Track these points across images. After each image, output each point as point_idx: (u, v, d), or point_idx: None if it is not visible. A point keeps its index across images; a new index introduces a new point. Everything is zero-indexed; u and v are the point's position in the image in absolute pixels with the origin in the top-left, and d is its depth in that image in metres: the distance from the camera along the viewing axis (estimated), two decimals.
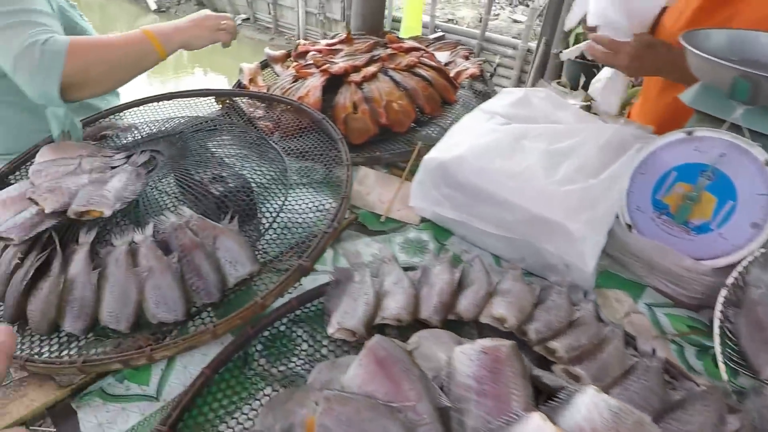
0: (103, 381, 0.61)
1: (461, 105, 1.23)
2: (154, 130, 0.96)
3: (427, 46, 1.48)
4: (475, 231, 0.85)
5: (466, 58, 1.43)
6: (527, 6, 7.70)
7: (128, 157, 0.81)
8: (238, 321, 0.62)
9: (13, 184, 0.91)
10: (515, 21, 6.91)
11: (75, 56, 0.84)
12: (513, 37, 6.12)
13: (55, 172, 0.75)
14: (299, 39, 7.77)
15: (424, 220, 0.95)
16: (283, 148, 1.02)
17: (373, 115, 1.08)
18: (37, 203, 0.67)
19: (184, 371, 0.64)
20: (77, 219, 0.68)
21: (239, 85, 1.32)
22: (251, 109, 1.19)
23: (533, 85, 3.61)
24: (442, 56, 1.41)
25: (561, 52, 3.29)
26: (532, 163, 0.78)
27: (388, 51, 1.21)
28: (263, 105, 1.19)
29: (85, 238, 0.68)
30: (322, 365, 0.60)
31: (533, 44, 5.70)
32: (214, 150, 0.94)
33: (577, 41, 2.93)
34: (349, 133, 1.07)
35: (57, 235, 0.68)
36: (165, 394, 0.61)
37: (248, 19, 8.41)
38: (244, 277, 0.69)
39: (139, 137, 0.90)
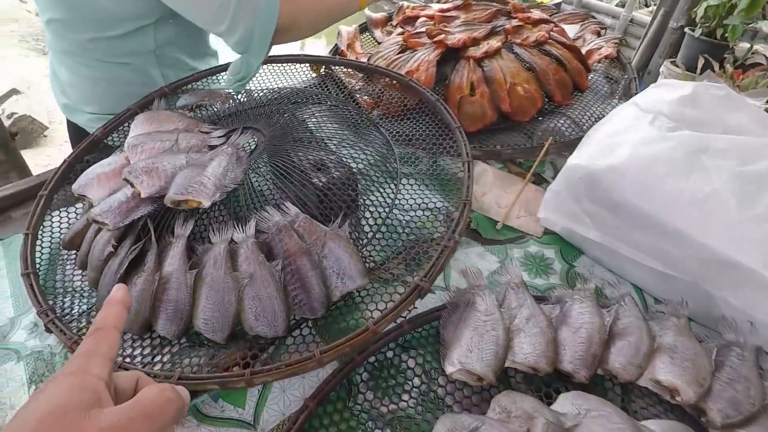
0: (197, 398, 0.54)
1: (591, 92, 1.04)
2: (252, 101, 0.86)
3: (550, 16, 1.28)
4: (618, 257, 0.70)
5: (597, 34, 1.22)
6: None
7: (227, 135, 0.72)
8: (347, 349, 0.52)
9: (106, 148, 0.86)
10: None
11: (288, 4, 0.77)
12: (617, 5, 5.51)
13: (152, 148, 0.67)
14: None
15: (547, 231, 0.80)
16: (384, 129, 0.90)
17: (493, 100, 0.92)
18: (132, 185, 0.60)
19: (282, 396, 0.56)
20: (174, 207, 0.60)
21: (336, 50, 1.20)
22: (348, 80, 1.07)
23: (641, 62, 3.21)
24: (570, 30, 1.21)
25: (681, 26, 2.87)
26: (718, 188, 0.61)
27: (514, 22, 1.03)
28: (362, 77, 1.06)
29: (181, 231, 0.60)
30: (446, 420, 0.49)
31: (638, 14, 5.09)
32: (313, 129, 0.84)
33: (706, 16, 2.52)
34: (462, 118, 0.93)
35: (152, 223, 0.61)
36: (263, 423, 0.54)
37: None
38: (350, 291, 0.59)
39: (235, 109, 0.81)
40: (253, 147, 0.72)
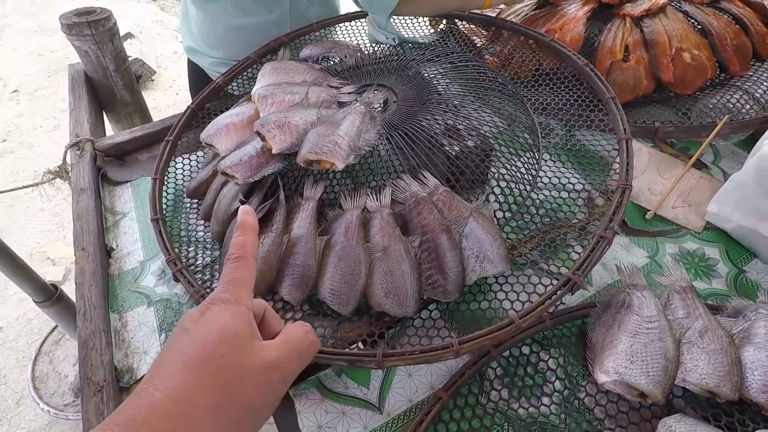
0: (321, 371, 0.52)
1: None
2: (380, 54, 0.80)
3: None
4: None
5: None
6: None
7: (359, 91, 0.67)
8: (488, 342, 0.47)
9: (226, 97, 0.85)
10: None
11: None
12: None
13: (282, 101, 0.64)
14: None
15: (709, 226, 0.68)
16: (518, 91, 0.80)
17: (651, 67, 0.78)
18: (264, 139, 0.57)
19: (408, 381, 0.52)
20: (305, 167, 0.56)
21: None
22: (473, 37, 0.97)
23: None
24: None
25: None
26: None
27: None
28: (487, 35, 0.96)
29: (311, 193, 0.57)
30: None
31: None
32: (442, 89, 0.77)
33: None
34: (611, 87, 0.80)
35: (282, 181, 0.58)
36: (389, 407, 0.50)
37: None
38: (488, 276, 0.53)
39: (363, 63, 0.75)
40: (384, 106, 0.66)
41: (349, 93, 0.66)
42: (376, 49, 0.82)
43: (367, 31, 0.83)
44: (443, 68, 0.82)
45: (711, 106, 0.78)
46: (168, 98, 3.21)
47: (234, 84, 0.86)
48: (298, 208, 0.56)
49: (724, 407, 0.47)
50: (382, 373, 0.52)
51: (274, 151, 0.57)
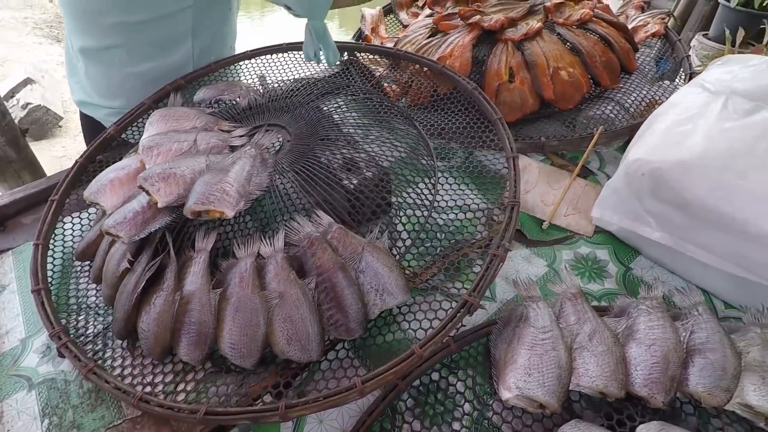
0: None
1: (639, 74, 0.95)
2: (273, 94, 0.80)
3: None
4: (684, 259, 0.62)
5: (641, 9, 1.11)
6: None
7: (250, 134, 0.66)
8: (392, 377, 0.47)
9: (121, 146, 0.81)
10: None
11: None
12: None
13: (168, 150, 0.61)
14: None
15: (598, 230, 0.73)
16: (417, 118, 0.83)
17: (534, 86, 0.84)
18: (148, 193, 0.55)
19: (320, 427, 0.50)
20: (193, 219, 0.54)
21: (360, 35, 1.13)
22: (373, 67, 0.99)
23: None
24: (611, 5, 1.11)
25: None
26: None
27: (555, 0, 0.94)
28: (388, 64, 0.99)
29: (203, 244, 0.55)
30: None
31: None
32: (340, 123, 0.78)
33: None
34: (500, 106, 0.85)
35: (170, 236, 0.55)
36: None
37: None
38: (390, 308, 0.53)
39: (256, 103, 0.75)
40: (278, 147, 0.66)
41: (240, 136, 0.65)
42: (270, 86, 0.81)
43: (303, 50, 0.82)
44: (341, 101, 0.84)
45: (590, 118, 0.85)
46: (79, 144, 3.01)
47: (130, 131, 0.83)
48: (190, 262, 0.54)
49: (615, 405, 0.49)
50: (292, 423, 0.51)
51: (159, 205, 0.54)
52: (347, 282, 0.51)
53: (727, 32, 2.29)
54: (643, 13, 1.09)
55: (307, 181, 0.61)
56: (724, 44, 2.42)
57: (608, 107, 0.85)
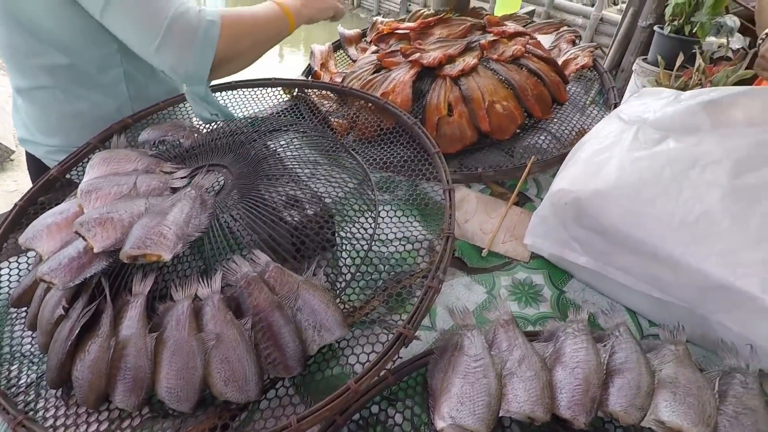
0: None
1: (570, 104, 1.01)
2: (219, 132, 0.81)
3: (524, 26, 1.25)
4: (610, 282, 0.67)
5: (573, 42, 1.20)
6: None
7: (192, 174, 0.67)
8: (327, 413, 0.48)
9: (66, 186, 0.80)
10: None
11: (227, 30, 0.72)
12: (584, 4, 5.59)
13: (107, 194, 0.62)
14: (353, 4, 7.51)
15: (534, 255, 0.77)
16: (360, 154, 0.86)
17: (471, 119, 0.89)
18: (85, 239, 0.55)
19: None
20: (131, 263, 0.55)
21: (310, 71, 1.16)
22: (322, 101, 1.03)
23: (614, 60, 3.23)
24: (545, 40, 1.18)
25: (650, 24, 2.90)
26: (710, 208, 0.58)
27: (489, 37, 1.00)
28: (336, 98, 1.02)
29: (140, 289, 0.55)
30: None
31: (607, 13, 5.18)
32: (284, 158, 0.80)
33: (674, 14, 2.55)
34: (441, 139, 0.90)
35: (107, 281, 0.56)
36: None
37: None
38: (329, 343, 0.55)
39: (202, 142, 0.76)
40: (220, 186, 0.67)
41: (181, 178, 0.66)
42: (215, 126, 0.83)
43: (194, 114, 0.82)
44: (288, 138, 0.86)
45: (526, 147, 0.90)
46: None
47: (75, 171, 0.82)
48: (127, 306, 0.54)
49: (544, 428, 0.52)
50: None
51: (96, 250, 0.55)
52: (284, 321, 0.52)
53: (659, 58, 2.46)
54: (574, 46, 1.17)
55: (250, 219, 0.62)
56: (659, 67, 2.59)
57: (541, 137, 0.91)
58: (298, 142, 0.87)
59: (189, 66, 0.69)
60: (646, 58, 2.90)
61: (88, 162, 0.79)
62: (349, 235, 0.69)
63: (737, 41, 2.80)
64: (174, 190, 0.64)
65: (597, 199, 0.63)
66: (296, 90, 1.05)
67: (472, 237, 0.78)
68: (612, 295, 0.70)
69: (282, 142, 0.85)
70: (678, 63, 2.46)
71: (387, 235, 0.70)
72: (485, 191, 0.88)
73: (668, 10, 2.62)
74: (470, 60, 0.94)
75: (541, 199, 0.88)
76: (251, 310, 0.53)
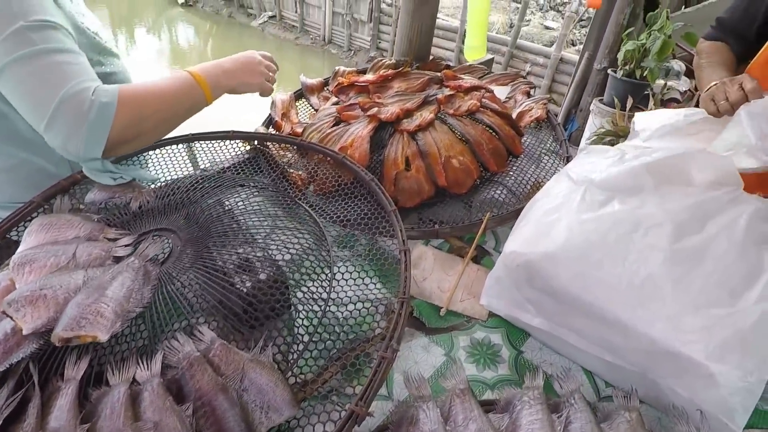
0: None
1: (526, 157, 1.04)
2: (171, 191, 0.79)
3: (481, 77, 1.30)
4: (565, 343, 0.67)
5: (528, 94, 1.24)
6: (558, 12, 7.44)
7: (137, 241, 0.65)
8: None
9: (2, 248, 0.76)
10: (546, 27, 6.67)
11: (125, 110, 0.68)
12: (544, 45, 5.89)
13: (43, 266, 0.59)
14: (324, 40, 7.67)
15: (492, 314, 0.77)
16: (318, 209, 0.86)
17: (429, 174, 0.90)
18: (13, 319, 0.51)
19: None
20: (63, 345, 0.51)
21: (270, 121, 1.16)
22: (282, 153, 1.02)
23: (573, 100, 3.39)
24: (501, 91, 1.23)
25: (604, 67, 3.07)
26: (654, 272, 0.60)
27: (446, 92, 1.03)
28: (296, 149, 1.02)
29: (72, 373, 0.52)
30: None
31: (566, 53, 5.46)
32: (238, 216, 0.78)
33: (626, 59, 2.71)
34: (399, 193, 0.90)
35: (36, 365, 0.52)
36: None
37: (274, 16, 8.32)
38: (278, 425, 0.52)
39: (152, 203, 0.74)
40: (166, 254, 0.65)
41: (125, 245, 0.64)
42: (167, 184, 0.81)
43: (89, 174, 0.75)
44: (244, 194, 0.85)
45: (483, 201, 0.91)
46: None
47: (15, 231, 0.78)
48: (57, 394, 0.50)
49: None
50: None
51: (25, 332, 0.51)
52: (228, 404, 0.50)
53: (615, 99, 2.58)
54: (528, 98, 1.22)
55: (199, 287, 0.60)
56: (615, 108, 2.72)
57: (498, 191, 0.93)
58: (255, 198, 0.85)
59: (79, 148, 0.66)
60: (602, 99, 3.06)
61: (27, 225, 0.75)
62: (304, 297, 0.68)
63: (683, 84, 2.99)
64: (117, 258, 0.62)
65: (547, 261, 0.64)
66: (256, 142, 1.05)
67: (430, 295, 0.77)
68: (568, 355, 0.70)
69: (238, 199, 0.83)
70: (629, 105, 2.60)
71: (343, 296, 0.69)
72: (443, 245, 0.89)
73: (620, 56, 2.78)
74: (427, 115, 0.96)
75: (499, 252, 0.89)
76: (193, 393, 0.50)
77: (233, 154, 1.00)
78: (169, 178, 0.85)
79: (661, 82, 2.81)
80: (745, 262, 0.60)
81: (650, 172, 0.72)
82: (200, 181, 0.85)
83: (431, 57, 1.38)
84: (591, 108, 3.10)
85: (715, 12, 3.15)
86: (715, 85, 0.87)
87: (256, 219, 0.78)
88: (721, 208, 0.66)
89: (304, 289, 0.68)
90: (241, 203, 0.82)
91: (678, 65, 2.99)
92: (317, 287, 0.69)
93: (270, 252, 0.73)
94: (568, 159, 1.01)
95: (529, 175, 0.97)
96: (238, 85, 0.86)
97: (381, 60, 1.27)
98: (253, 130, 1.11)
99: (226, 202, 0.82)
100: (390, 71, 1.13)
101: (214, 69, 0.82)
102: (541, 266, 0.64)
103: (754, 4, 1.00)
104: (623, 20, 2.84)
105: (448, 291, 0.77)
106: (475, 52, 3.28)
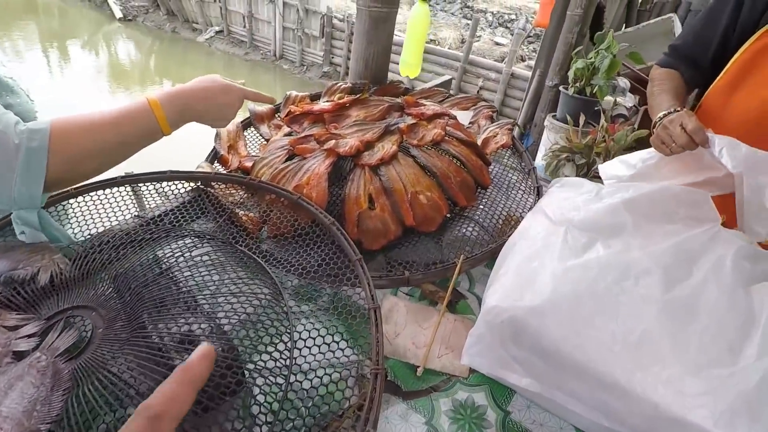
0: None
1: (494, 187, 0.99)
2: (92, 250, 0.67)
3: (442, 102, 1.25)
4: (557, 404, 0.61)
5: (491, 119, 1.20)
6: (507, 28, 7.67)
7: (46, 328, 0.53)
8: None
9: None
10: (497, 44, 6.85)
11: (60, 146, 0.60)
12: (495, 60, 6.03)
13: None
14: (275, 55, 7.54)
15: (473, 369, 0.70)
16: (273, 257, 0.76)
17: (395, 212, 0.82)
18: None
19: None
20: None
21: (215, 155, 1.05)
22: (230, 192, 0.92)
23: (527, 116, 3.45)
24: (463, 116, 1.18)
25: (556, 84, 3.15)
26: (649, 328, 0.54)
27: (408, 120, 0.96)
28: (242, 192, 0.92)
29: None
30: None
31: (517, 69, 5.62)
32: (178, 275, 0.68)
33: (576, 77, 2.78)
34: (363, 235, 0.82)
35: None
36: None
37: (221, 31, 8.09)
38: None
39: (68, 272, 0.62)
40: (86, 342, 0.53)
41: (29, 336, 0.51)
42: (86, 244, 0.69)
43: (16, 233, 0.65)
44: (184, 246, 0.74)
45: (454, 239, 0.85)
46: None
47: None
48: None
49: None
50: None
51: None
52: None
53: (568, 117, 2.64)
54: (492, 123, 1.17)
55: (131, 376, 0.49)
56: (567, 123, 2.78)
57: (468, 227, 0.86)
58: (199, 249, 0.75)
59: (8, 199, 0.58)
60: (555, 115, 3.12)
61: None
62: (262, 366, 0.58)
63: (629, 100, 3.11)
64: (19, 355, 0.50)
65: (534, 317, 0.58)
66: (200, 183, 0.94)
67: (405, 353, 0.69)
68: (561, 414, 0.63)
69: (178, 253, 0.73)
70: (582, 122, 2.65)
71: (308, 362, 0.60)
72: (414, 290, 0.81)
73: (570, 74, 2.85)
74: (389, 147, 0.88)
75: (474, 294, 0.83)
76: None
77: (172, 197, 0.88)
78: (91, 234, 0.73)
79: (609, 98, 2.91)
80: (737, 311, 0.56)
81: (628, 210, 0.68)
82: (131, 234, 0.74)
83: (388, 80, 1.32)
84: (545, 124, 3.16)
85: (655, 31, 3.30)
86: (660, 122, 0.86)
87: (200, 277, 0.67)
88: (704, 247, 0.63)
89: (261, 357, 0.59)
90: (181, 259, 0.72)
91: (623, 82, 3.11)
92: (276, 354, 0.60)
93: (216, 318, 0.63)
94: (539, 189, 0.97)
95: (500, 209, 0.91)
96: (205, 113, 0.78)
97: (336, 84, 1.19)
98: (195, 167, 1.00)
99: (164, 259, 0.71)
100: (347, 98, 1.06)
101: (177, 94, 0.73)
102: (528, 323, 0.58)
103: (708, 29, 1.00)
104: (572, 39, 2.91)
105: (425, 347, 0.70)
106: (410, 68, 3.30)
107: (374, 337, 0.59)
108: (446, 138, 0.94)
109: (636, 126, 2.31)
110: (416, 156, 0.88)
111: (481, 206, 0.91)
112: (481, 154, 0.96)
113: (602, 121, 2.62)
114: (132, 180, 0.83)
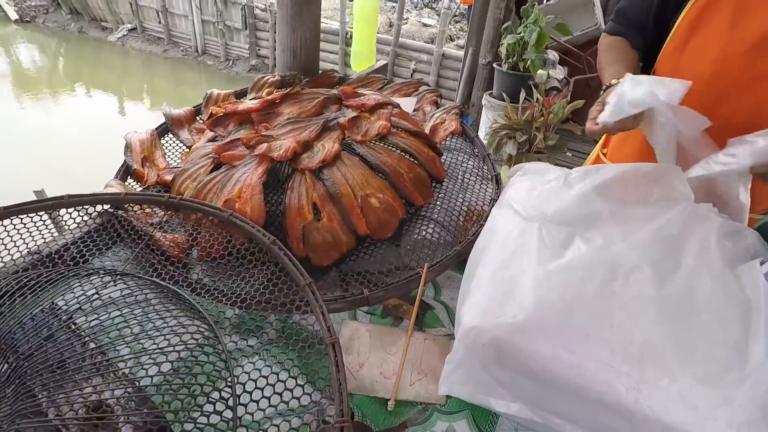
0: None
1: (450, 180, 0.90)
2: None
3: (381, 89, 1.15)
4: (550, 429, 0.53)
5: (435, 104, 1.12)
6: (432, 9, 7.64)
7: None
8: None
9: None
10: (425, 25, 6.79)
11: None
12: (425, 42, 5.98)
13: None
14: (197, 51, 7.08)
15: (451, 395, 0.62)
16: (204, 287, 0.64)
17: (345, 221, 0.72)
18: None
19: None
20: None
21: (128, 170, 0.89)
22: (148, 212, 0.77)
23: (463, 96, 3.42)
24: (406, 103, 1.08)
25: (489, 62, 3.14)
26: (649, 334, 0.48)
27: (349, 113, 0.85)
28: (161, 212, 0.78)
29: None
30: None
31: (447, 49, 5.61)
32: (84, 326, 0.55)
33: (508, 53, 2.77)
34: (311, 250, 0.71)
35: None
36: None
37: (135, 29, 7.46)
38: None
39: None
40: None
41: None
42: None
43: None
44: (91, 287, 0.60)
45: (414, 242, 0.76)
46: None
47: None
48: None
49: None
50: None
51: None
52: None
53: (504, 94, 2.63)
54: (438, 108, 1.09)
55: None
56: (503, 100, 2.77)
57: (428, 228, 0.77)
58: (110, 289, 0.61)
59: None
60: (492, 93, 3.11)
61: None
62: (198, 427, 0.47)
63: (559, 72, 3.16)
64: None
65: (518, 335, 0.50)
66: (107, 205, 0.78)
67: (372, 387, 0.60)
68: None
69: (82, 297, 0.59)
70: (521, 98, 2.65)
71: (261, 409, 0.50)
72: (375, 308, 0.72)
73: (502, 50, 2.84)
74: (331, 145, 0.77)
75: (442, 303, 0.75)
76: None
77: (74, 226, 0.72)
78: None
79: (542, 72, 2.94)
80: (733, 300, 0.51)
81: (600, 196, 0.62)
82: (19, 279, 0.59)
83: (320, 70, 1.19)
84: (483, 102, 3.15)
85: (576, 2, 3.33)
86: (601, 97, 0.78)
87: (112, 327, 0.54)
88: (685, 231, 0.58)
89: (202, 414, 0.48)
90: (87, 305, 0.58)
91: (553, 54, 3.15)
92: (215, 408, 0.49)
93: (135, 380, 0.50)
94: (497, 178, 0.89)
95: (459, 203, 0.83)
96: None
97: (263, 78, 1.06)
98: (103, 187, 0.84)
99: (64, 307, 0.57)
100: (276, 93, 0.93)
101: None
102: (512, 343, 0.50)
103: None
104: (500, 15, 2.90)
105: (394, 375, 0.60)
106: (363, 58, 3.11)
107: (335, 378, 0.50)
108: (393, 130, 0.84)
109: (569, 98, 2.33)
110: (363, 154, 0.78)
111: (439, 203, 0.82)
112: (432, 144, 0.87)
113: (536, 95, 2.63)
114: (15, 211, 0.67)
